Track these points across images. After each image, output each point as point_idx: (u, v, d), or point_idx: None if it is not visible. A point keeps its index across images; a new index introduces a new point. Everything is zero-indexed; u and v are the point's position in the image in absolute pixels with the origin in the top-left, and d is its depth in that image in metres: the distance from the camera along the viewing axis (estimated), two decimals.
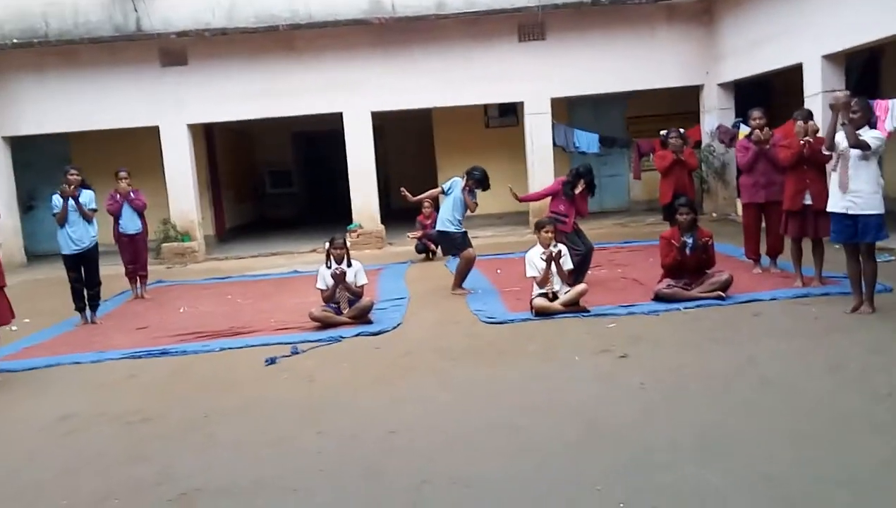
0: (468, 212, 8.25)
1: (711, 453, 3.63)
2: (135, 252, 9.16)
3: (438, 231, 8.45)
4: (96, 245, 8.06)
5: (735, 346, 5.42)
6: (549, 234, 6.86)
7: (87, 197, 7.93)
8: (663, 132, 8.98)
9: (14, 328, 7.19)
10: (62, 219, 7.79)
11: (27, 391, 5.66)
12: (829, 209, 6.06)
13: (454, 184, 8.22)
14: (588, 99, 14.12)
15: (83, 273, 7.96)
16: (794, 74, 10.38)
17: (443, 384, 5.07)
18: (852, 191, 5.80)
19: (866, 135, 5.76)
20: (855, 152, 5.76)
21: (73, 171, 7.96)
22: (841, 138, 5.85)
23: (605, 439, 3.91)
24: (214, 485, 3.69)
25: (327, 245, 7.12)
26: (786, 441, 3.72)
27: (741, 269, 7.81)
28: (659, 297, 6.82)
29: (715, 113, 13.09)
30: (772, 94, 13.55)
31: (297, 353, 6.04)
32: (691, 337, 5.75)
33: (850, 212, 5.82)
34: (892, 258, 7.89)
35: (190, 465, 3.97)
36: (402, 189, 8.95)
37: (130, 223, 9.02)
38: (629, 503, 3.19)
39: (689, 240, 6.77)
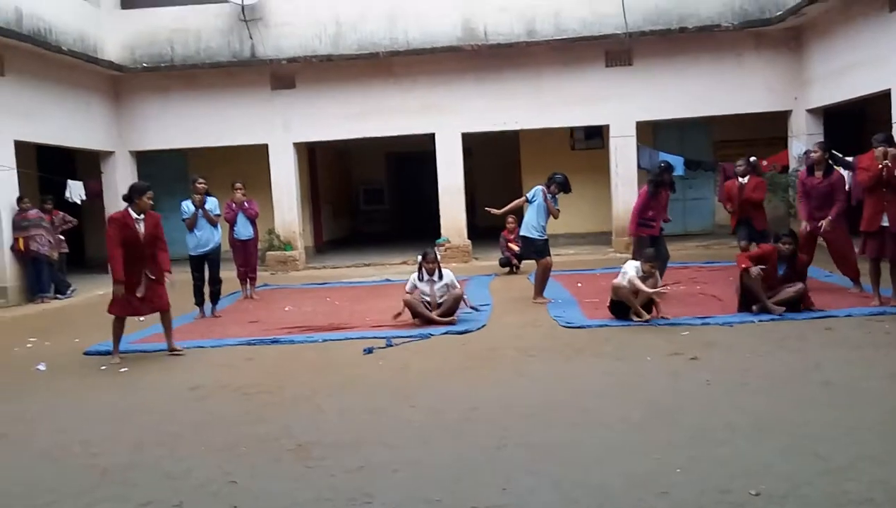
0: (551, 219, 8.70)
1: (767, 435, 4.00)
2: (246, 256, 10.10)
3: (522, 236, 8.93)
4: (219, 247, 9.01)
5: (803, 354, 5.69)
6: (649, 267, 7.27)
7: (211, 203, 8.89)
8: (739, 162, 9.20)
9: (141, 319, 8.12)
10: (192, 224, 8.76)
11: (160, 367, 6.54)
12: None
13: (537, 192, 8.69)
14: (673, 123, 14.37)
15: (206, 271, 8.90)
16: (886, 102, 10.36)
17: (521, 373, 5.60)
18: None
19: None
20: None
21: (200, 181, 8.91)
22: None
23: (666, 421, 4.34)
24: (324, 441, 4.33)
25: (420, 258, 7.75)
26: (839, 430, 4.03)
27: (824, 291, 7.98)
28: (741, 288, 7.14)
29: (803, 138, 13.06)
30: (864, 122, 13.42)
31: (391, 346, 6.69)
32: (762, 345, 6.05)
33: None
34: None
35: (302, 426, 4.63)
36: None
37: (244, 230, 9.98)
38: (686, 469, 3.61)
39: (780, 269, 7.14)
